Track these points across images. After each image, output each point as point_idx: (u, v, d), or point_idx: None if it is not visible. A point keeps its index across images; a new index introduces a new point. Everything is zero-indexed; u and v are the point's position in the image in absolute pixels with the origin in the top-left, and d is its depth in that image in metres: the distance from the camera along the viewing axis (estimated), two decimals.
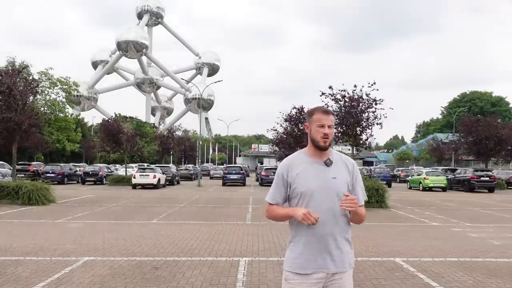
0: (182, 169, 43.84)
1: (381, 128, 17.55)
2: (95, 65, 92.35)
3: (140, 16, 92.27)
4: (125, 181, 28.78)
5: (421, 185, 27.40)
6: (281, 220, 2.52)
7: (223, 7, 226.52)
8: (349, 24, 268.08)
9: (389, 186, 26.33)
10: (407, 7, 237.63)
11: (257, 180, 36.43)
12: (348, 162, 2.50)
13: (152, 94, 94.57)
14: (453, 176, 29.07)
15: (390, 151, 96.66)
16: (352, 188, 2.46)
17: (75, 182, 31.75)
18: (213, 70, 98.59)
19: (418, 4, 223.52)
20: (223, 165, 63.74)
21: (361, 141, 17.33)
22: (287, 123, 26.49)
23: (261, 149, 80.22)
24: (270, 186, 2.61)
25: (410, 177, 31.07)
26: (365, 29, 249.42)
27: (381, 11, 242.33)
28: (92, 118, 77.22)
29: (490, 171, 28.73)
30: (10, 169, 22.36)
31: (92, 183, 30.42)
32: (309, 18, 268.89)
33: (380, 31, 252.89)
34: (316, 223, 2.30)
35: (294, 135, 25.36)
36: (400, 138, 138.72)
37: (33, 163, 34.07)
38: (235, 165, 44.30)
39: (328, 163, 2.43)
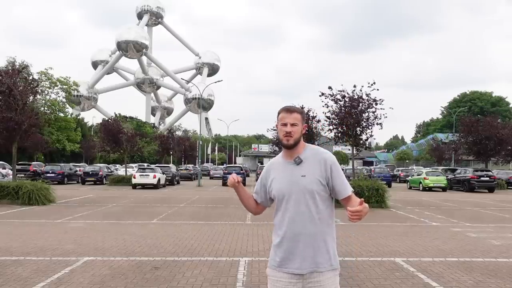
0: (182, 169, 43.83)
1: (381, 128, 17.55)
2: (95, 65, 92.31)
3: (140, 16, 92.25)
4: (125, 181, 28.77)
5: (421, 185, 27.39)
6: (247, 207, 2.64)
7: (222, 7, 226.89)
8: (349, 24, 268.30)
9: (389, 186, 26.29)
10: (407, 7, 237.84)
11: (257, 180, 36.42)
12: (322, 157, 2.42)
13: (152, 94, 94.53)
14: (453, 176, 29.05)
15: (390, 151, 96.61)
16: (331, 183, 2.40)
17: (75, 182, 31.74)
18: (213, 70, 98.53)
19: (417, 4, 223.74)
20: (223, 165, 63.77)
21: (361, 141, 17.31)
22: None
23: (261, 149, 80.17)
24: None
25: (410, 177, 31.08)
26: (365, 29, 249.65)
27: (381, 11, 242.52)
28: (92, 118, 77.52)
29: (490, 171, 28.72)
30: (11, 169, 22.36)
31: (92, 183, 30.42)
32: (308, 18, 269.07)
33: (379, 31, 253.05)
34: (234, 181, 2.45)
35: None
36: (400, 138, 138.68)
37: (33, 163, 34.06)
38: (235, 165, 44.35)
39: (297, 161, 2.41)
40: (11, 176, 25.51)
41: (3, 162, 30.57)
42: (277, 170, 2.48)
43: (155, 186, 26.09)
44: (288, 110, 2.44)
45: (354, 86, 17.16)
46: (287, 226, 2.38)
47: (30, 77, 19.73)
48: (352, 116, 16.81)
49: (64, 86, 37.38)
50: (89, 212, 13.07)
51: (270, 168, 2.54)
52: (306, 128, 2.45)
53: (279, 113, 2.47)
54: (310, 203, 2.36)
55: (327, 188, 2.40)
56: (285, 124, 2.40)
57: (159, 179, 26.41)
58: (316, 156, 2.42)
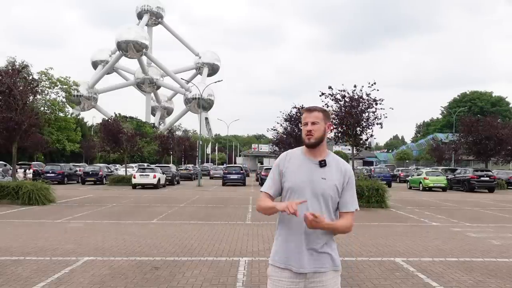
0: (182, 169, 43.82)
1: (381, 128, 17.57)
2: (95, 65, 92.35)
3: (140, 16, 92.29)
4: (125, 181, 28.77)
5: (421, 185, 27.40)
6: (267, 213, 2.43)
7: (222, 7, 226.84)
8: (348, 24, 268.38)
9: (389, 186, 26.31)
10: (406, 7, 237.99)
11: (257, 180, 36.43)
12: (343, 167, 2.47)
13: (152, 94, 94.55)
14: (453, 176, 29.05)
15: (390, 151, 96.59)
16: (341, 193, 2.44)
17: (75, 182, 31.75)
18: (213, 70, 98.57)
19: (416, 4, 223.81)
20: (223, 165, 63.75)
21: (361, 141, 17.31)
22: (287, 123, 26.52)
23: (261, 149, 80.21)
24: None
25: (410, 177, 31.08)
26: (364, 29, 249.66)
27: (380, 10, 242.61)
28: (92, 118, 77.72)
29: (490, 171, 28.72)
30: (11, 169, 22.37)
31: (92, 183, 30.41)
32: (308, 18, 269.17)
33: (379, 31, 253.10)
34: (296, 212, 2.20)
35: (294, 135, 25.37)
36: (400, 138, 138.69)
37: (33, 163, 34.04)
38: (235, 165, 44.31)
39: (322, 164, 2.42)
40: (28, 175, 25.61)
41: (4, 162, 30.57)
42: (295, 165, 2.47)
43: (155, 186, 26.09)
44: (309, 109, 2.49)
45: (354, 86, 17.18)
46: (293, 225, 2.38)
47: (30, 77, 19.73)
48: (352, 116, 16.81)
49: (64, 86, 37.36)
50: (89, 212, 13.07)
51: (288, 159, 2.51)
52: (332, 127, 2.45)
53: (301, 114, 2.54)
54: (322, 205, 2.38)
55: (338, 196, 2.44)
56: (306, 124, 2.44)
57: (159, 179, 26.41)
58: (338, 164, 2.48)
